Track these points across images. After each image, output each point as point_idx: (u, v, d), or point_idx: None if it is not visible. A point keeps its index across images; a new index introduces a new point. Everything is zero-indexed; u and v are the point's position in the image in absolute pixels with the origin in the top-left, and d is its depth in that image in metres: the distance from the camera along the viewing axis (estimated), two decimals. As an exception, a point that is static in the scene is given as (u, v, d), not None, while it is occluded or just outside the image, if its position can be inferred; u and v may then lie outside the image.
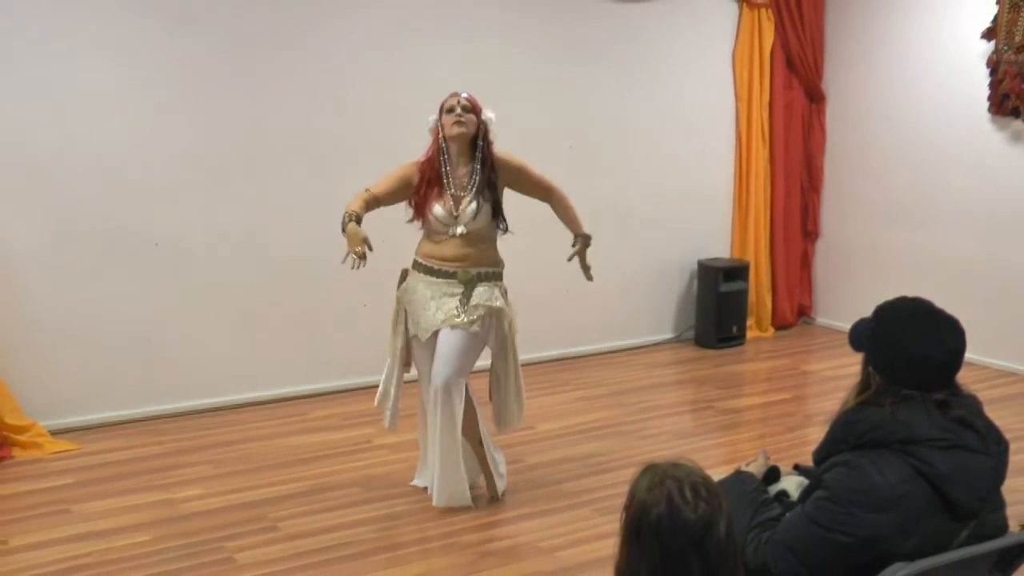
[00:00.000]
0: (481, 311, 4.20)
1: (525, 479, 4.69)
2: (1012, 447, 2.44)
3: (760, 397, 6.24)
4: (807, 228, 7.70)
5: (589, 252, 4.51)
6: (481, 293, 4.22)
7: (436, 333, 4.23)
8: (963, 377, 2.41)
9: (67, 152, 5.12)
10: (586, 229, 4.45)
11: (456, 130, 4.15)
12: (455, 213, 4.19)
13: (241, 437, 5.22)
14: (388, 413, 4.39)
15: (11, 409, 4.97)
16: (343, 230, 4.09)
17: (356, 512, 4.31)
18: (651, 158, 6.95)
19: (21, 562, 3.84)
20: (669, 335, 7.28)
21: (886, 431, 2.30)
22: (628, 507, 1.92)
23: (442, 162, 4.22)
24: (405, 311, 4.36)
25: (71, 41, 5.07)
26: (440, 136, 4.22)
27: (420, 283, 4.30)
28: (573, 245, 4.46)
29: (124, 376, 5.39)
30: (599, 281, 6.66)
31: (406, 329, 4.37)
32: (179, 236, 5.45)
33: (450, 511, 4.30)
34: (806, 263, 7.76)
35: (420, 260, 4.32)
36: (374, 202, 4.20)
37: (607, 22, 6.61)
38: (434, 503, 4.32)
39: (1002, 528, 2.40)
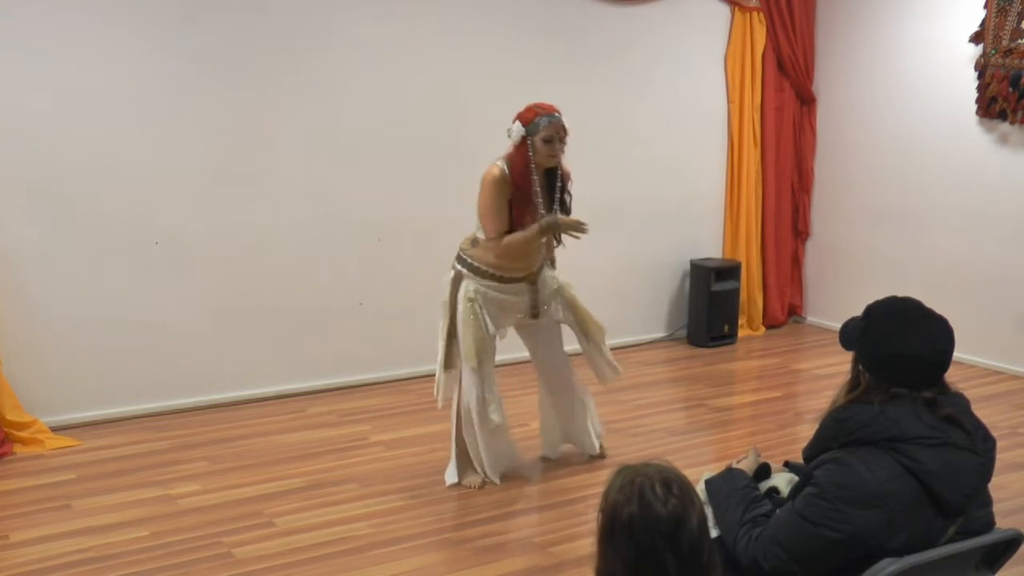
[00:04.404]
0: (554, 302, 4.54)
1: (519, 475, 4.72)
2: (999, 445, 2.48)
3: (751, 395, 6.28)
4: (798, 228, 7.76)
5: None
6: (546, 284, 4.53)
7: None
8: (950, 375, 2.44)
9: (68, 150, 5.14)
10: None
11: (551, 162, 4.26)
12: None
13: (238, 434, 5.25)
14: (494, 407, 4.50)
15: (12, 406, 5.00)
16: (546, 229, 4.31)
17: (352, 508, 4.34)
18: (644, 159, 6.99)
19: (22, 557, 3.87)
20: (662, 334, 7.33)
21: (875, 429, 2.32)
22: (602, 509, 1.94)
23: (531, 171, 4.26)
24: (482, 311, 4.39)
25: (73, 39, 5.09)
26: (530, 153, 4.23)
27: (491, 290, 4.38)
28: None
29: (124, 373, 5.42)
30: (593, 280, 6.75)
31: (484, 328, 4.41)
32: (178, 234, 5.47)
33: (444, 506, 4.37)
34: (797, 263, 7.82)
35: (492, 271, 4.37)
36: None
37: (601, 26, 6.65)
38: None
39: (989, 524, 2.42)
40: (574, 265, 6.58)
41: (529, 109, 4.26)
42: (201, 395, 5.63)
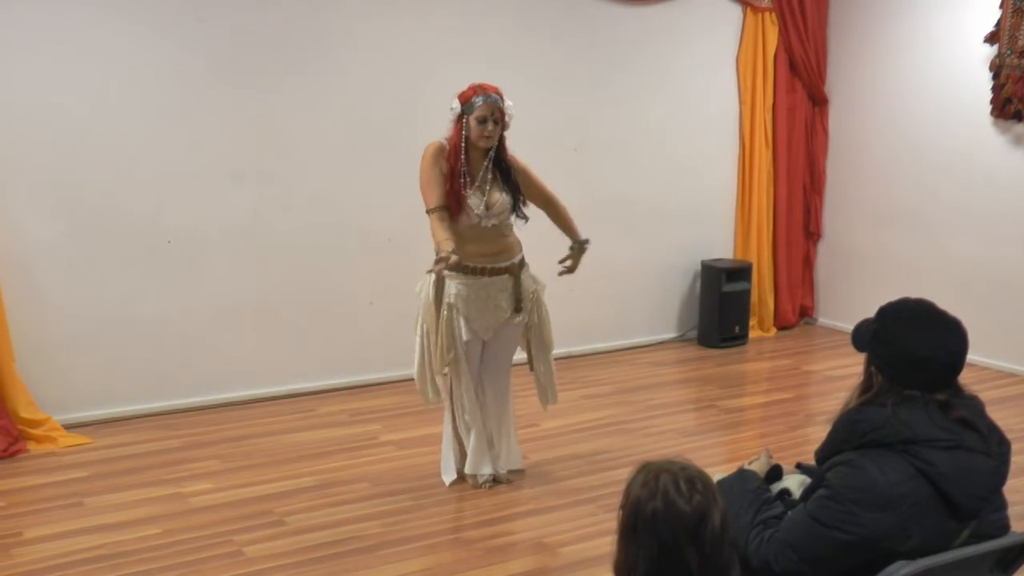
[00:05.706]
0: (530, 302, 4.42)
1: (530, 476, 4.72)
2: (1013, 448, 2.47)
3: (762, 396, 6.27)
4: (809, 229, 7.74)
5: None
6: (525, 283, 4.40)
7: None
8: (964, 378, 2.43)
9: (81, 149, 5.16)
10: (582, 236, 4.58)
11: (484, 143, 4.18)
12: (488, 204, 4.23)
13: (249, 433, 5.26)
14: (466, 422, 4.48)
15: (26, 403, 5.03)
16: (445, 262, 3.97)
17: (362, 507, 4.35)
18: (656, 160, 6.98)
19: (35, 553, 3.89)
20: (673, 334, 7.32)
21: (888, 431, 2.31)
22: (624, 505, 1.95)
23: (463, 150, 4.19)
24: (458, 317, 4.30)
25: (86, 39, 5.11)
26: (463, 132, 4.18)
27: (473, 287, 4.29)
28: (571, 248, 4.57)
29: (136, 372, 5.44)
30: (604, 281, 6.78)
31: (457, 334, 4.32)
32: (191, 234, 5.49)
33: (454, 506, 4.38)
34: (808, 264, 7.80)
35: (472, 263, 4.25)
36: (447, 214, 4.18)
37: (613, 27, 6.64)
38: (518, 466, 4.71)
39: (1003, 528, 2.41)
40: (585, 265, 6.57)
41: (470, 87, 4.22)
42: (212, 394, 5.65)
